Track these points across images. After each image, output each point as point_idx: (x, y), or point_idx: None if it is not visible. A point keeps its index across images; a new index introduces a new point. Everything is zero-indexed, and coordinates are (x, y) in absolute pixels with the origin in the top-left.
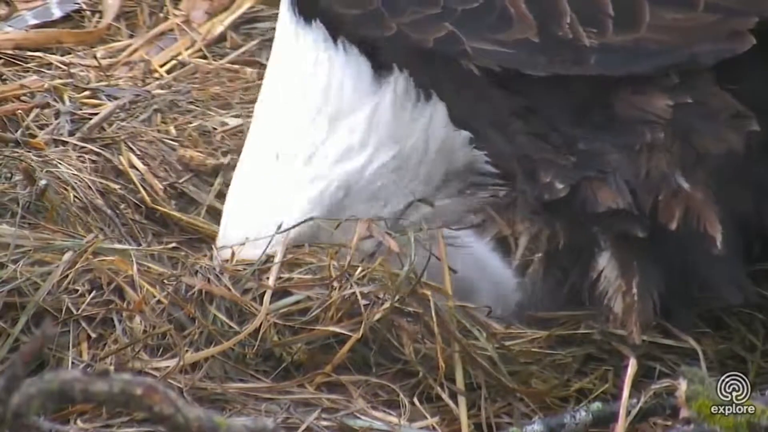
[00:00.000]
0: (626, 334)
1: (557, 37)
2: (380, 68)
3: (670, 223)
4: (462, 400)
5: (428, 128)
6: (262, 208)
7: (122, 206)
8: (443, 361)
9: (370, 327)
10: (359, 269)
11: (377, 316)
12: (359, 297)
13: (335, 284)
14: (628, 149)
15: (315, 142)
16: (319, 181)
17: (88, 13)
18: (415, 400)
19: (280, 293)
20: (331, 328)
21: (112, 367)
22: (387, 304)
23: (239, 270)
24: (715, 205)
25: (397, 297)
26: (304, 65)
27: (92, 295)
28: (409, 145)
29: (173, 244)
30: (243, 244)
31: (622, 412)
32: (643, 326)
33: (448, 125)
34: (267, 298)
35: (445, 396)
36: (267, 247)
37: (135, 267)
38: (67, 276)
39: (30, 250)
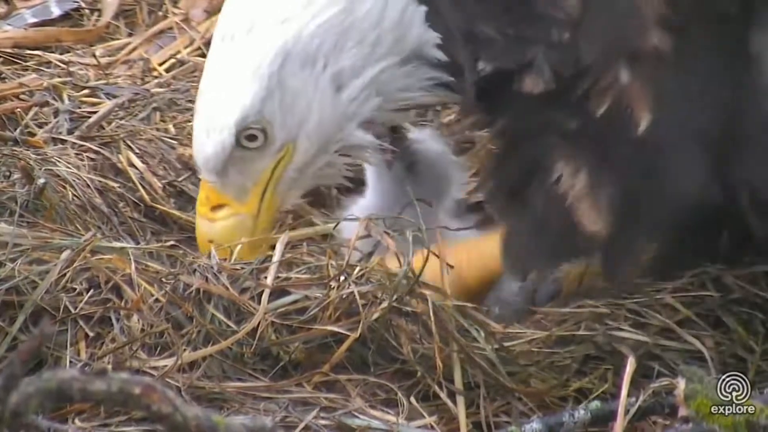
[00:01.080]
0: (594, 230)
1: None
2: None
3: (597, 111)
4: (460, 400)
5: None
6: (216, 94)
7: (121, 204)
8: (441, 360)
9: (368, 326)
10: (357, 269)
11: (375, 316)
12: (357, 296)
13: (333, 283)
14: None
15: (256, 12)
16: (258, 50)
17: (87, 11)
18: (413, 399)
19: (277, 292)
20: (329, 328)
21: (109, 366)
22: (385, 304)
23: (237, 269)
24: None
25: (395, 296)
26: None
27: (90, 293)
28: (363, 10)
29: (171, 242)
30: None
31: (621, 410)
32: (606, 217)
33: None
34: (265, 297)
35: (443, 395)
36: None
37: (133, 265)
38: (65, 274)
39: (28, 249)
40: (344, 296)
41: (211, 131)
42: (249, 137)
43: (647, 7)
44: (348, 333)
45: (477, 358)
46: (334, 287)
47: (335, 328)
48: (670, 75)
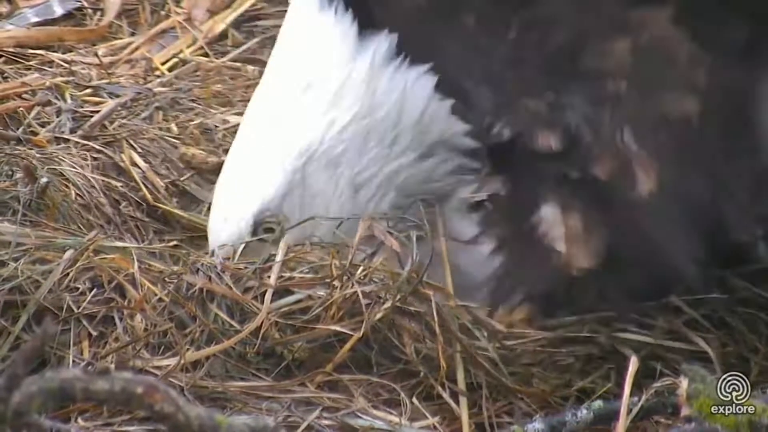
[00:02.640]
0: (575, 268)
1: None
2: (366, 30)
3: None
4: (463, 400)
5: (403, 99)
6: (237, 182)
7: (123, 204)
8: (444, 360)
9: (372, 326)
10: (360, 268)
11: (378, 316)
12: (360, 296)
13: (336, 283)
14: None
15: (284, 109)
16: (282, 146)
17: (89, 10)
18: (416, 399)
19: (281, 292)
20: (332, 327)
21: (113, 365)
22: (388, 304)
23: (241, 268)
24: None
25: (398, 296)
26: (297, 33)
27: (93, 293)
28: (380, 115)
29: (174, 242)
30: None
31: (624, 410)
32: (592, 255)
33: (431, 95)
34: (268, 296)
35: (446, 395)
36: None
37: (136, 265)
38: (68, 274)
39: (31, 248)
40: (347, 296)
41: (228, 219)
42: (265, 229)
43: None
44: (351, 333)
45: (480, 359)
46: (337, 287)
47: (338, 328)
48: (677, 145)
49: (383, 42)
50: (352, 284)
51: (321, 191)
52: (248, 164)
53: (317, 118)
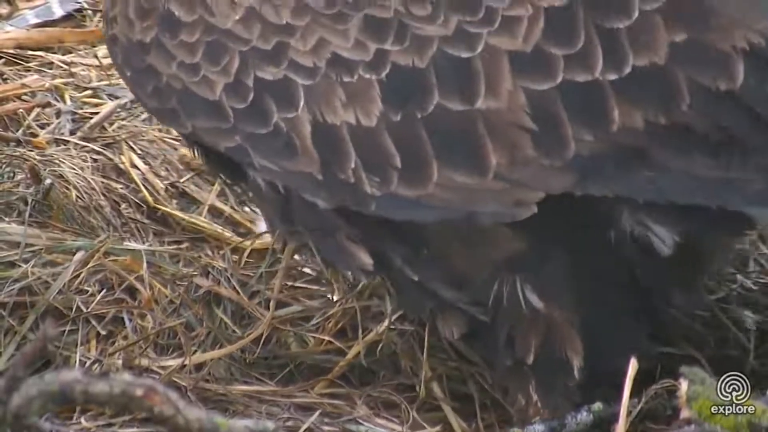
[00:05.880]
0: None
1: (339, 179)
2: None
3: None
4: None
5: None
6: None
7: (123, 206)
8: (441, 372)
9: (372, 339)
10: (361, 282)
11: (378, 329)
12: (358, 311)
13: (336, 296)
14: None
15: None
16: None
17: (89, 12)
18: (416, 410)
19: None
20: (333, 340)
21: (120, 363)
22: (386, 322)
23: (248, 273)
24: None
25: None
26: None
27: (102, 294)
28: None
29: (186, 244)
30: None
31: (623, 412)
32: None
33: None
34: (272, 304)
35: (445, 407)
36: None
37: (144, 265)
38: (78, 275)
39: (41, 250)
40: (347, 309)
41: None
42: None
43: None
44: (350, 345)
45: (477, 369)
46: (337, 300)
47: (337, 341)
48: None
49: None
50: (351, 299)
51: None
52: None
53: None
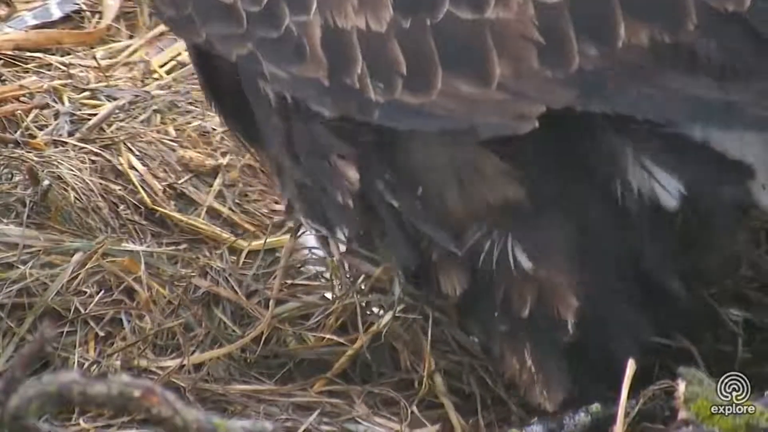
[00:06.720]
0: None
1: (345, 85)
2: None
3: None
4: (459, 411)
5: None
6: None
7: (122, 207)
8: (442, 369)
9: (372, 336)
10: (361, 277)
11: (378, 325)
12: (359, 306)
13: (337, 292)
14: None
15: None
16: None
17: (87, 13)
18: (416, 407)
19: (283, 298)
20: (333, 337)
21: (118, 363)
22: (388, 316)
23: (246, 273)
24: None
25: (398, 307)
26: None
27: (100, 295)
28: None
29: (184, 245)
30: None
31: (621, 413)
32: (554, 397)
33: None
34: (272, 302)
35: (445, 404)
36: None
37: (143, 266)
38: (76, 277)
39: (39, 251)
40: (348, 305)
41: None
42: None
43: None
44: (351, 342)
45: (477, 367)
46: (338, 295)
47: (338, 338)
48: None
49: None
50: (353, 294)
51: None
52: None
53: None
